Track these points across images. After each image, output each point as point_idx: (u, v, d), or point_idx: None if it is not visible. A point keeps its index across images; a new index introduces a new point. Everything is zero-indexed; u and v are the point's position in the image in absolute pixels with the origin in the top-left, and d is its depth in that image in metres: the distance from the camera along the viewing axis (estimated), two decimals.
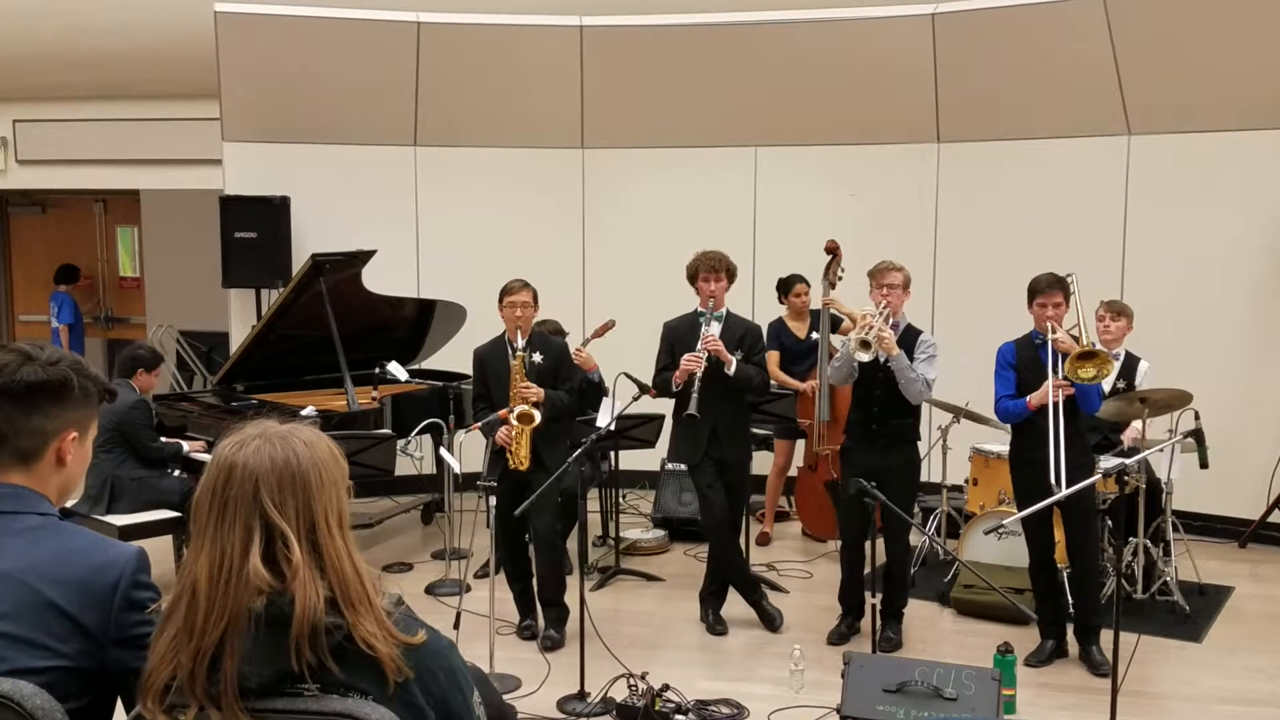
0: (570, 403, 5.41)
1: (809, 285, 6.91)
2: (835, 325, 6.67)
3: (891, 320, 5.10)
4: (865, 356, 4.97)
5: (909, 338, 5.16)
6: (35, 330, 10.83)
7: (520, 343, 5.23)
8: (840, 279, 6.52)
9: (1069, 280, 5.00)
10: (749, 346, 5.37)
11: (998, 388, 5.03)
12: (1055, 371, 4.81)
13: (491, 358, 5.40)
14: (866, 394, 5.20)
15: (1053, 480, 4.66)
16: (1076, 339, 4.87)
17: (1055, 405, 4.77)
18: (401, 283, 7.57)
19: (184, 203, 9.41)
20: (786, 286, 6.98)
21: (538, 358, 5.34)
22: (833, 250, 6.55)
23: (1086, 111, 7.12)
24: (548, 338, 5.59)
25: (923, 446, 7.02)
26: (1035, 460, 4.81)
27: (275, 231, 7.75)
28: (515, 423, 5.11)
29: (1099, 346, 4.85)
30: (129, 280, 11.18)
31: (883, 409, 5.15)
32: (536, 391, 5.18)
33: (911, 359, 5.08)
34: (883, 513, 4.90)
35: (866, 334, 4.95)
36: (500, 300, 5.35)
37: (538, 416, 5.11)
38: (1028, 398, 4.88)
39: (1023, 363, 4.98)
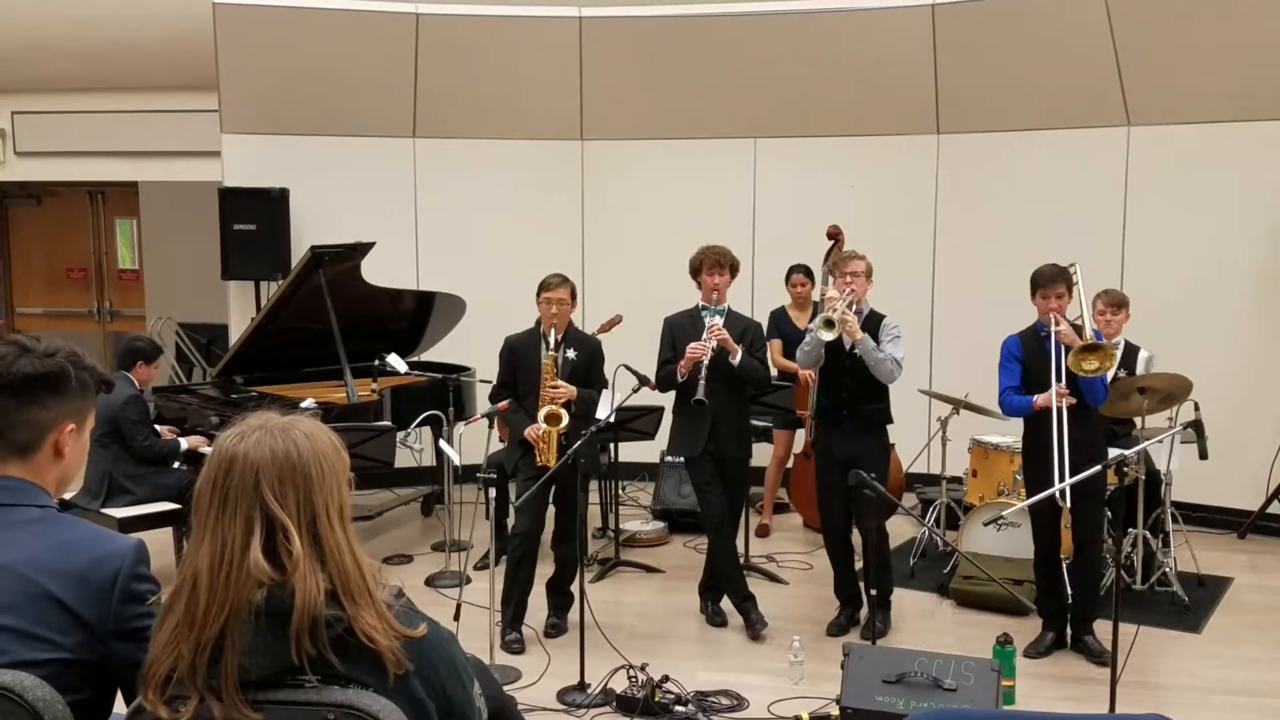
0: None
1: (810, 278, 6.88)
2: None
3: (855, 307, 5.13)
4: (829, 335, 4.98)
5: (873, 323, 5.19)
6: (32, 323, 10.81)
7: (555, 339, 5.18)
8: None
9: (1072, 271, 5.00)
10: (750, 342, 5.32)
11: (1002, 379, 5.02)
12: (1060, 370, 4.78)
13: (523, 348, 5.32)
14: (834, 381, 5.23)
15: (1056, 478, 4.62)
16: (1079, 329, 4.86)
17: (1059, 411, 4.74)
18: (400, 275, 7.56)
19: (183, 195, 9.39)
20: (788, 274, 6.97)
21: (571, 354, 5.28)
22: (834, 235, 6.52)
23: (1086, 102, 7.11)
24: (583, 335, 5.53)
25: (921, 437, 6.98)
26: (1048, 450, 4.79)
27: (274, 224, 7.74)
28: (543, 425, 5.08)
29: (1101, 340, 4.85)
30: (128, 273, 11.15)
31: (852, 395, 5.18)
32: (567, 390, 5.13)
33: (878, 343, 5.11)
34: (856, 502, 4.94)
35: (830, 314, 4.97)
36: (538, 294, 5.27)
37: (566, 417, 5.07)
38: (1034, 398, 4.87)
39: (1028, 355, 4.97)
